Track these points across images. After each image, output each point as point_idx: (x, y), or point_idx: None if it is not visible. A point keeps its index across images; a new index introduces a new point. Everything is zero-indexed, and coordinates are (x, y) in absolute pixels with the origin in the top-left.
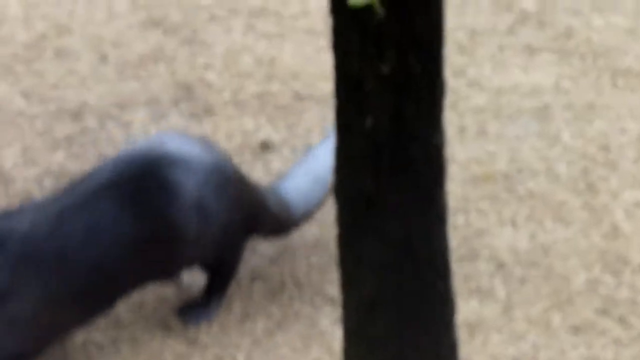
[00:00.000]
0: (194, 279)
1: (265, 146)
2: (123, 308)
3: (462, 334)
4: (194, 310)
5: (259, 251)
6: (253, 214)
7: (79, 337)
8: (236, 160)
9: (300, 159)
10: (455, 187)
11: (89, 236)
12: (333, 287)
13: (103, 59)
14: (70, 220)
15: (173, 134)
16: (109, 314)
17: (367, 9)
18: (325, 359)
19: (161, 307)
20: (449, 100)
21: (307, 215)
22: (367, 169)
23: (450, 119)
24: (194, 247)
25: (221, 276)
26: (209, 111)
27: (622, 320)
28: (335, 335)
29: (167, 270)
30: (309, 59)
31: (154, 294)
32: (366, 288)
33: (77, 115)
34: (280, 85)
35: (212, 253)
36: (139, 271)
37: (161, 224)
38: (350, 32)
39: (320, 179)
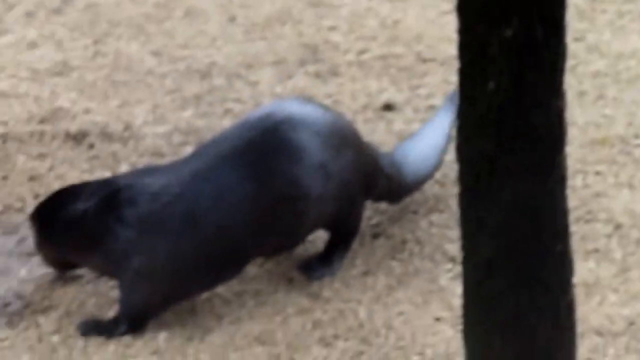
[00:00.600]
0: (317, 235)
1: (388, 107)
2: None
3: (578, 294)
4: (317, 265)
5: (382, 210)
6: (370, 176)
7: None
8: (359, 120)
9: (417, 129)
10: (573, 150)
11: (217, 199)
12: (453, 246)
13: (231, 19)
14: (199, 183)
15: (293, 98)
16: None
17: None
18: (445, 315)
19: (284, 262)
20: (568, 65)
21: (419, 183)
22: (488, 132)
23: (570, 83)
24: (318, 207)
25: (343, 234)
26: (333, 72)
27: None
28: (455, 292)
29: (293, 234)
30: (432, 21)
31: None
32: (485, 247)
33: (205, 74)
34: (403, 48)
35: (334, 212)
36: (265, 236)
37: (287, 184)
38: None
39: (434, 148)
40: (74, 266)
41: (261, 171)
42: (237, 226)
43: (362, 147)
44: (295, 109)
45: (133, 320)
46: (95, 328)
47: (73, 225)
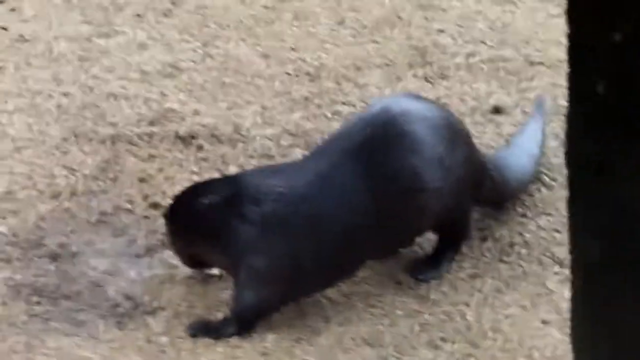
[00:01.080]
0: (425, 237)
1: (497, 110)
2: None
3: None
4: (425, 268)
5: (489, 213)
6: (479, 176)
7: None
8: (468, 123)
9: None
10: None
11: (340, 199)
12: (561, 249)
13: (340, 22)
14: (323, 184)
15: (406, 94)
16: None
17: None
18: (553, 318)
19: (393, 265)
20: None
21: (518, 189)
22: (597, 134)
23: None
24: (436, 202)
25: (453, 236)
26: (442, 75)
27: None
28: (562, 295)
29: (411, 231)
30: (541, 24)
31: None
32: (593, 250)
33: (314, 76)
34: (512, 51)
35: (449, 209)
36: (384, 234)
37: (407, 177)
38: (584, 0)
39: (529, 155)
40: (205, 264)
41: (381, 166)
42: (358, 226)
43: (472, 145)
44: (409, 103)
45: (243, 322)
46: (204, 329)
47: (198, 221)
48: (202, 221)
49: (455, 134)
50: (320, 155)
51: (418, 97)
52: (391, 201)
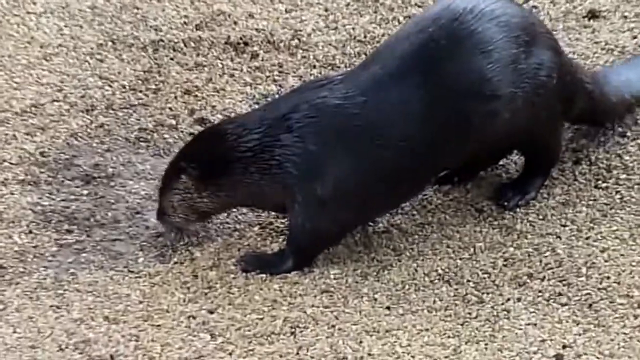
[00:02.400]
0: (510, 160)
1: (593, 15)
2: (430, 190)
3: None
4: (511, 194)
5: (584, 132)
6: (568, 89)
7: (381, 221)
8: (559, 29)
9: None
10: None
11: (401, 107)
12: None
13: None
14: (382, 91)
15: None
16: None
17: None
18: None
19: (473, 190)
20: None
21: (625, 106)
22: None
23: None
24: (510, 111)
25: (541, 157)
26: None
27: None
28: None
29: (483, 144)
30: None
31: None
32: None
33: None
34: None
35: (529, 123)
36: (451, 144)
37: (474, 81)
38: None
39: None
40: (213, 214)
41: (444, 69)
42: (421, 134)
43: (557, 52)
44: (475, 3)
45: (302, 254)
46: (258, 263)
47: (241, 162)
48: (247, 161)
49: (533, 36)
50: (378, 61)
51: None
52: (458, 108)
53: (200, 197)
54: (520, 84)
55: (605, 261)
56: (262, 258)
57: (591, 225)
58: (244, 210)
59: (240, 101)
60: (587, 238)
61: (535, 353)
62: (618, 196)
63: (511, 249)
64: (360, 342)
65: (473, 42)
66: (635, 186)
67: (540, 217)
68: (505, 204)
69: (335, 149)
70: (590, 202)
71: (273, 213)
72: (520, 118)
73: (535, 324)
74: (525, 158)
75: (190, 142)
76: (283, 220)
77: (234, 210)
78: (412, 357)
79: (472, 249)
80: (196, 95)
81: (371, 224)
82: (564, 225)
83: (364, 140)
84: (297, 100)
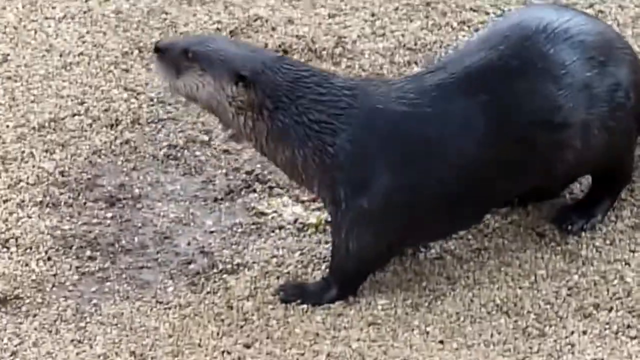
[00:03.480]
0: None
1: None
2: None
3: None
4: (575, 217)
5: None
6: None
7: (433, 247)
8: (628, 35)
9: None
10: None
11: (463, 125)
12: None
13: None
14: (446, 104)
15: (547, 4)
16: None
17: None
18: None
19: (534, 213)
20: None
21: None
22: None
23: None
24: (581, 139)
25: (611, 178)
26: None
27: None
28: None
29: (549, 173)
30: None
31: None
32: None
33: None
34: None
35: (601, 149)
36: (515, 172)
37: (543, 107)
38: None
39: None
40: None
41: (511, 93)
42: (482, 156)
43: (636, 67)
44: (551, 16)
45: (346, 280)
46: (299, 293)
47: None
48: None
49: (609, 54)
50: (441, 72)
51: (564, 8)
52: (523, 134)
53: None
54: (594, 110)
55: None
56: (303, 287)
57: None
58: (283, 234)
59: None
60: None
61: None
62: None
63: (576, 277)
64: None
65: (544, 65)
66: None
67: (608, 242)
68: (569, 227)
69: (390, 158)
70: None
71: (315, 240)
72: (594, 146)
73: (602, 359)
74: (593, 178)
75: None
76: (326, 246)
77: (272, 234)
78: None
79: (533, 277)
80: None
81: (423, 249)
82: (634, 251)
83: (421, 152)
84: (357, 96)
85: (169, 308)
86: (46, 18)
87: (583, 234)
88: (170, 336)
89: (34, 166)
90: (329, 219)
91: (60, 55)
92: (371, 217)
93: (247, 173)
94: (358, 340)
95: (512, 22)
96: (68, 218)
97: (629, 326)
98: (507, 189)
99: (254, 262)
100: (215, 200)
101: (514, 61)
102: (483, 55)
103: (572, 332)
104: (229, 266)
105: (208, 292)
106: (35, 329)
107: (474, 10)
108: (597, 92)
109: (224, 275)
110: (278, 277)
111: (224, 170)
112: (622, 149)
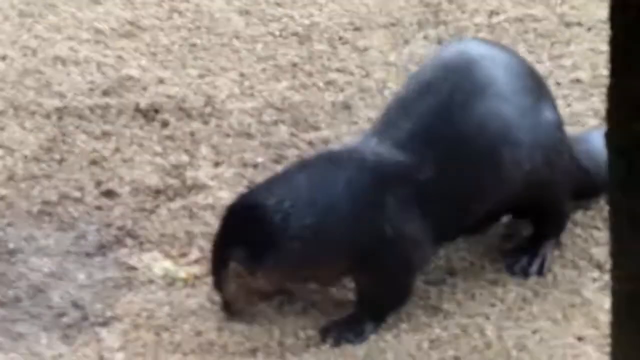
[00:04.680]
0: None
1: None
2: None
3: None
4: (525, 260)
5: None
6: (570, 159)
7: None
8: None
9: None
10: None
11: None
12: (600, 249)
13: None
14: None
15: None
16: None
17: None
18: (589, 334)
19: None
20: None
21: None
22: None
23: None
24: (529, 161)
25: (550, 221)
26: (459, 37)
27: None
28: (601, 305)
29: (487, 196)
30: None
31: None
32: None
33: (304, 38)
34: (543, 9)
35: (544, 180)
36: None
37: (481, 130)
38: None
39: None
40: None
41: (469, 118)
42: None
43: (557, 110)
44: (489, 49)
45: (376, 313)
46: (338, 331)
47: (322, 229)
48: (330, 226)
49: (546, 93)
50: (403, 113)
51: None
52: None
53: (256, 279)
54: (538, 137)
55: (537, 343)
56: (341, 325)
57: (522, 304)
58: (153, 288)
59: (150, 172)
60: (517, 319)
61: None
62: (550, 275)
63: (437, 330)
64: None
65: (495, 90)
66: (569, 264)
67: (468, 296)
68: (520, 270)
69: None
70: (521, 281)
71: (184, 293)
72: (538, 174)
73: None
74: (533, 220)
75: (229, 224)
76: (195, 300)
77: (143, 288)
78: None
79: (395, 331)
80: (103, 166)
81: (288, 303)
82: (493, 305)
83: (438, 202)
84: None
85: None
86: None
87: (444, 288)
88: None
89: None
90: (198, 274)
91: None
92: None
93: (119, 229)
94: None
95: (451, 55)
96: None
97: None
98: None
99: (125, 315)
100: (88, 254)
101: (458, 95)
102: (438, 89)
103: None
104: (100, 319)
105: (80, 344)
106: None
107: (340, 71)
108: (532, 121)
109: (96, 328)
110: (148, 330)
111: (96, 226)
112: (560, 189)
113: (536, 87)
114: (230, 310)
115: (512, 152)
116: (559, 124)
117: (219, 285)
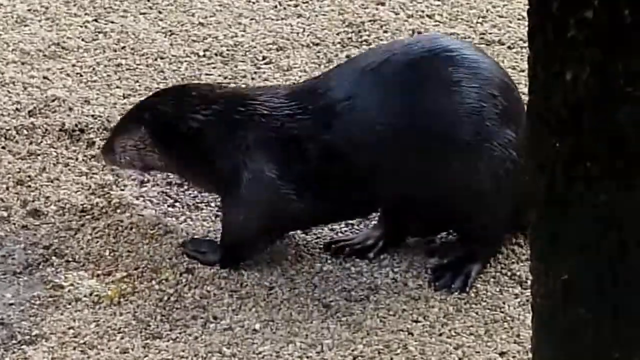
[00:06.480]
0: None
1: None
2: (275, 284)
3: None
4: (450, 276)
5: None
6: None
7: (223, 318)
8: None
9: None
10: None
11: (364, 129)
12: (522, 266)
13: None
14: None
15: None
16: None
17: None
18: (512, 349)
19: (320, 285)
20: None
21: None
22: (565, 129)
23: None
24: (464, 162)
25: (480, 237)
26: None
27: None
28: (524, 321)
29: (428, 187)
30: None
31: (309, 264)
32: (560, 268)
33: (228, 58)
34: (465, 27)
35: (483, 191)
36: (398, 179)
37: (435, 120)
38: None
39: None
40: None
41: (412, 104)
42: (374, 158)
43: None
44: (461, 45)
45: (228, 249)
46: (195, 249)
47: (190, 136)
48: (195, 137)
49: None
50: (340, 76)
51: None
52: (414, 145)
53: (152, 152)
54: (480, 137)
55: (460, 359)
56: (201, 245)
57: (445, 320)
58: (79, 306)
59: (76, 192)
60: (440, 334)
61: None
62: (472, 291)
63: (360, 346)
64: None
65: (442, 84)
66: (491, 280)
67: (392, 312)
68: (444, 285)
69: (263, 150)
70: (444, 297)
71: (110, 312)
72: (478, 181)
73: None
74: (463, 235)
75: (162, 95)
76: (121, 318)
77: (69, 306)
78: None
79: (319, 347)
80: (29, 186)
81: (213, 320)
82: (416, 321)
83: (286, 147)
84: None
85: None
86: None
87: (368, 305)
88: None
89: None
90: (124, 292)
91: None
92: (241, 200)
93: (45, 247)
94: None
95: (416, 42)
96: None
97: None
98: (390, 197)
99: (51, 333)
100: (14, 273)
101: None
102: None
103: None
104: (27, 337)
105: None
106: None
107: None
108: (488, 122)
109: (23, 346)
110: (74, 348)
111: (22, 245)
112: (497, 205)
113: (507, 102)
114: (107, 157)
115: (444, 148)
116: (515, 145)
117: (118, 133)
